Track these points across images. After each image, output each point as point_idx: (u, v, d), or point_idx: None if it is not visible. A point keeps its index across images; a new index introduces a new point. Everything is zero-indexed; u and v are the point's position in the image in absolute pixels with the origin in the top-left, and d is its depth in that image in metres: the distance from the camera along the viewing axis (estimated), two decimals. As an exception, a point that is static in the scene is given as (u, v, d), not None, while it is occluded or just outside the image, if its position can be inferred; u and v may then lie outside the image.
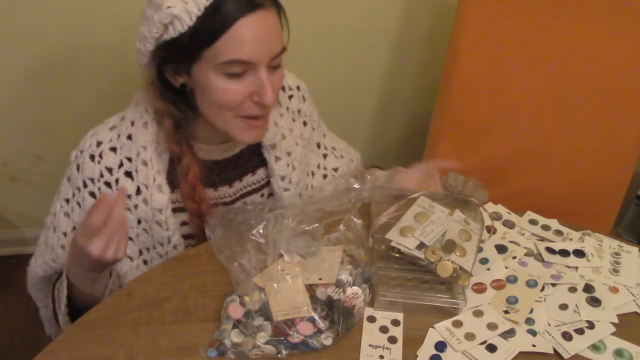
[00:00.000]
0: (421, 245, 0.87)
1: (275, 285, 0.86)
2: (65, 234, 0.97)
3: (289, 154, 1.03)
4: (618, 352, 0.82)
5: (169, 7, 0.79)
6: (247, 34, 0.80)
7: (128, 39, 1.48)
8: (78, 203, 0.95)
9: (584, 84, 1.32)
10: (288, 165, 1.03)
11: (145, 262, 0.98)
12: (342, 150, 1.20)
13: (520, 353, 0.81)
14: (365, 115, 1.86)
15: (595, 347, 0.83)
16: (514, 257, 0.96)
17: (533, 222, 1.06)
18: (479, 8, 1.33)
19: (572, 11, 1.30)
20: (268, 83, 0.83)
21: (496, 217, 1.07)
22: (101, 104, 1.60)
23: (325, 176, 1.14)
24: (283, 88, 1.06)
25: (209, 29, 0.79)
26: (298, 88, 1.09)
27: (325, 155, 1.16)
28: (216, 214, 0.97)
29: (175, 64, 0.85)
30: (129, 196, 0.93)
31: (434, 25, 1.67)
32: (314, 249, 0.91)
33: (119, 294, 0.88)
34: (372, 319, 0.85)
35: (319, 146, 1.15)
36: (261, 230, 0.94)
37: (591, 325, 0.86)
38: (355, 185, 1.04)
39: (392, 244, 0.88)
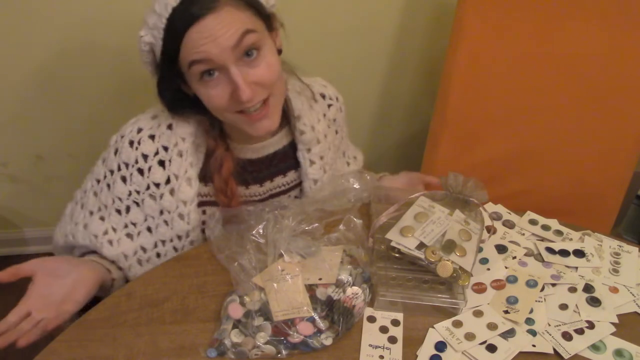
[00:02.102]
0: (421, 245, 0.87)
1: (275, 285, 0.86)
2: (91, 213, 0.99)
3: (321, 158, 1.06)
4: (618, 352, 0.82)
5: (141, 36, 0.86)
6: (197, 39, 0.81)
7: (128, 41, 1.49)
8: (108, 185, 0.97)
9: (584, 84, 1.32)
10: (320, 169, 1.06)
11: (158, 255, 0.99)
12: (360, 161, 1.25)
13: (520, 353, 0.81)
14: (365, 116, 1.86)
15: (595, 347, 0.83)
16: (514, 257, 0.96)
17: (533, 222, 1.06)
18: (479, 8, 1.33)
19: (571, 11, 1.30)
20: (241, 80, 0.83)
21: (496, 217, 1.07)
22: (101, 105, 1.60)
23: None
24: (323, 96, 1.09)
25: (170, 46, 0.83)
26: (337, 99, 1.13)
27: (348, 163, 1.21)
28: (219, 216, 0.98)
29: (175, 79, 0.89)
30: (157, 185, 0.94)
31: (434, 25, 1.67)
32: (314, 249, 0.91)
33: (119, 294, 0.88)
34: (372, 319, 0.85)
35: (343, 154, 1.20)
36: (261, 230, 0.94)
37: (591, 325, 0.86)
38: (355, 185, 1.05)
39: (392, 244, 0.88)
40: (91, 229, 0.97)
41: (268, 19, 0.89)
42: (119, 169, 0.95)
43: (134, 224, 0.97)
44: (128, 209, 0.96)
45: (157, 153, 0.94)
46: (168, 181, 0.94)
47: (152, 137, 0.94)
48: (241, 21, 0.83)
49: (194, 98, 0.91)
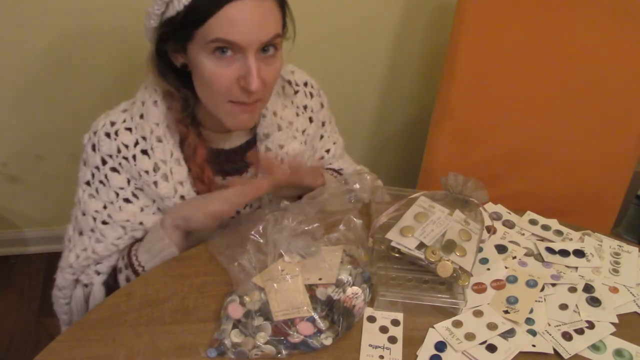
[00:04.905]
0: (421, 245, 0.87)
1: (275, 285, 0.86)
2: (97, 212, 0.96)
3: (281, 147, 1.03)
4: (618, 352, 0.82)
5: None
6: (237, 16, 0.80)
7: (128, 39, 1.49)
8: (101, 182, 0.95)
9: (584, 84, 1.32)
10: (277, 158, 1.03)
11: None
12: (340, 145, 1.20)
13: (520, 353, 0.81)
14: (365, 115, 1.86)
15: (595, 347, 0.83)
16: (514, 257, 0.96)
17: (533, 222, 1.06)
18: (479, 8, 1.33)
19: (571, 11, 1.30)
20: (255, 69, 0.83)
21: (496, 217, 1.07)
22: (101, 104, 1.59)
23: None
24: (290, 82, 1.07)
25: (201, 8, 0.80)
26: (305, 84, 1.09)
27: (328, 150, 1.16)
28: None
29: (174, 42, 0.87)
30: (147, 172, 0.94)
31: (434, 25, 1.67)
32: (314, 249, 0.91)
33: (118, 294, 0.88)
34: (372, 319, 0.86)
35: (320, 137, 1.15)
36: (261, 230, 0.93)
37: (591, 325, 0.86)
38: (355, 186, 1.04)
39: (392, 244, 0.88)
40: (116, 218, 0.95)
41: (285, 25, 0.90)
42: (104, 162, 0.93)
43: (147, 206, 0.97)
44: (135, 195, 0.95)
45: (137, 143, 0.93)
46: (156, 169, 0.94)
47: (128, 129, 0.93)
48: (276, 20, 0.84)
49: (179, 71, 0.90)
